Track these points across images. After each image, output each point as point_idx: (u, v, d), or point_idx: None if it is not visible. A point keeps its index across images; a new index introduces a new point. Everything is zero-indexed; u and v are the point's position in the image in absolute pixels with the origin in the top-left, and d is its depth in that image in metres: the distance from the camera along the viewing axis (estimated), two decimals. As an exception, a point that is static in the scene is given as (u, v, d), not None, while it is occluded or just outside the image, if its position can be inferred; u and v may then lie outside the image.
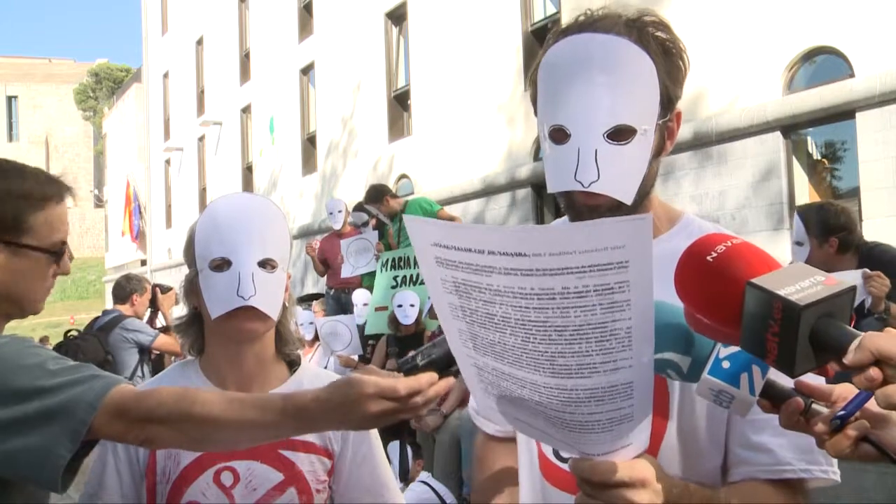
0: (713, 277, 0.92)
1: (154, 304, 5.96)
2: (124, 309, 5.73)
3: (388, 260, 6.89)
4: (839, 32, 7.63)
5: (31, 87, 48.77)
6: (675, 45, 1.24)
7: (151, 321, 6.11)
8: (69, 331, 5.35)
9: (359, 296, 6.98)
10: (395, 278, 6.77)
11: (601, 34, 1.19)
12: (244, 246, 1.59)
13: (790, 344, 0.86)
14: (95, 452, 1.61)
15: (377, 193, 7.23)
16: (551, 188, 1.24)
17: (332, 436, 1.69)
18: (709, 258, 0.93)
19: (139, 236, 28.63)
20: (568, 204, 1.25)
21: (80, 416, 1.25)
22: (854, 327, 0.88)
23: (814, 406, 0.99)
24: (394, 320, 6.17)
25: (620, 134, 1.19)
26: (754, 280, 0.88)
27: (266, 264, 1.60)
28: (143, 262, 28.26)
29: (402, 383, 1.12)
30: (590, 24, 1.21)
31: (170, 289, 6.25)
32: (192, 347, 1.72)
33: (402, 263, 6.78)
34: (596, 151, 1.18)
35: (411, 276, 6.65)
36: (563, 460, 1.28)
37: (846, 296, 0.88)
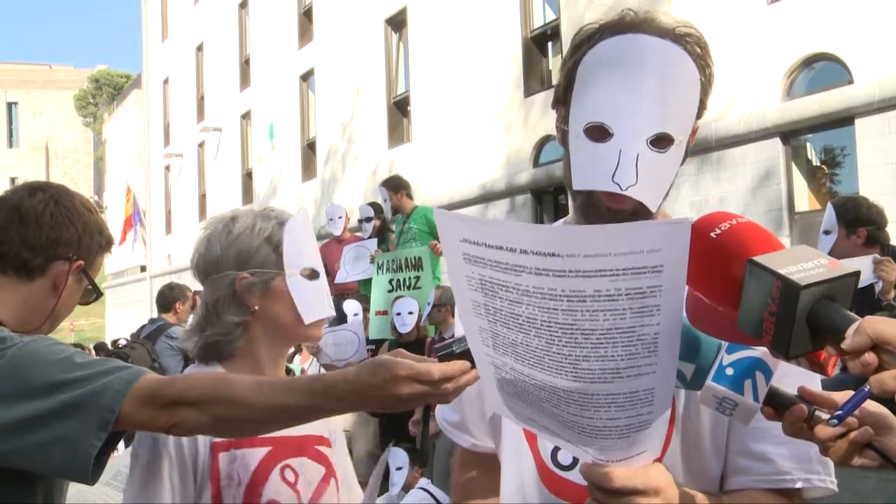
0: (715, 254, 0.91)
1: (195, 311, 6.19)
2: (168, 317, 5.98)
3: (383, 262, 6.87)
4: (838, 39, 7.65)
5: (31, 93, 48.82)
6: (707, 60, 1.23)
7: None
8: (116, 340, 5.65)
9: (350, 306, 6.95)
10: (390, 282, 6.75)
11: (656, 38, 1.17)
12: (320, 260, 1.76)
13: (787, 324, 0.85)
14: (145, 458, 1.59)
15: (397, 184, 7.22)
16: (580, 185, 1.21)
17: (332, 430, 1.79)
18: (712, 235, 0.92)
19: (136, 241, 28.63)
20: (588, 203, 1.23)
21: (107, 404, 1.27)
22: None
23: (817, 413, 0.98)
24: (395, 326, 6.16)
25: (661, 141, 1.18)
26: (756, 258, 0.87)
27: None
28: (143, 268, 28.25)
29: (437, 368, 1.13)
30: (637, 24, 1.19)
31: None
32: (230, 347, 1.71)
33: (395, 266, 6.77)
34: (638, 155, 1.16)
35: (406, 279, 6.64)
36: (562, 468, 1.27)
37: (848, 280, 0.86)
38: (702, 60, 1.20)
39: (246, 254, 1.68)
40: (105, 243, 1.63)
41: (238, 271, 1.67)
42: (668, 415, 0.97)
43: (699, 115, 1.23)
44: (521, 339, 0.93)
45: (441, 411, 1.55)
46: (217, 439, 1.63)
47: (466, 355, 1.14)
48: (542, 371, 0.94)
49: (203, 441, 1.63)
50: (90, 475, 1.29)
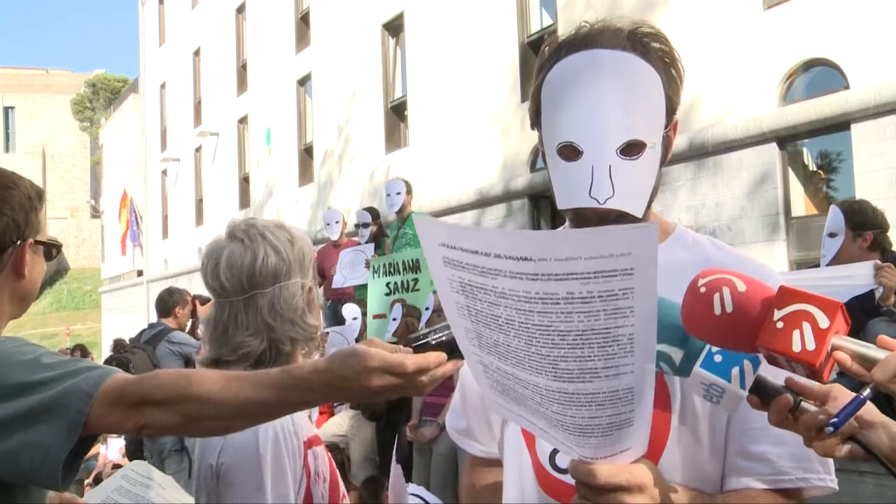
0: (699, 306, 0.99)
1: (194, 315, 6.30)
2: (168, 322, 6.02)
3: (379, 266, 6.88)
4: (834, 44, 7.66)
5: (28, 97, 48.75)
6: (672, 55, 1.25)
7: (193, 331, 6.47)
8: (120, 339, 5.73)
9: (349, 310, 6.97)
10: (387, 285, 6.76)
11: (608, 50, 1.19)
12: None
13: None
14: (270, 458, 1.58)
15: (410, 186, 7.26)
16: (563, 205, 1.23)
17: None
18: (717, 313, 0.97)
19: (134, 246, 28.60)
20: (577, 216, 1.25)
21: (76, 407, 1.23)
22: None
23: (803, 404, 1.00)
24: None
25: (632, 149, 1.19)
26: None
27: None
28: (140, 273, 28.20)
29: (411, 359, 1.11)
30: (592, 38, 1.21)
31: (208, 299, 6.51)
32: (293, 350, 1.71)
33: (392, 269, 6.78)
34: (610, 167, 1.18)
35: (403, 282, 6.65)
36: (559, 471, 1.28)
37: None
38: (662, 61, 1.22)
39: (308, 260, 1.71)
40: (38, 199, 1.56)
41: (302, 279, 1.69)
42: (651, 412, 0.99)
43: (673, 111, 1.25)
44: (503, 339, 0.95)
45: (449, 419, 1.57)
46: (309, 437, 1.64)
47: (443, 346, 1.13)
48: (524, 370, 0.97)
49: (298, 441, 1.63)
50: (60, 481, 1.25)
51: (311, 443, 1.66)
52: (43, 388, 1.26)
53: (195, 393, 1.23)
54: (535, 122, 1.29)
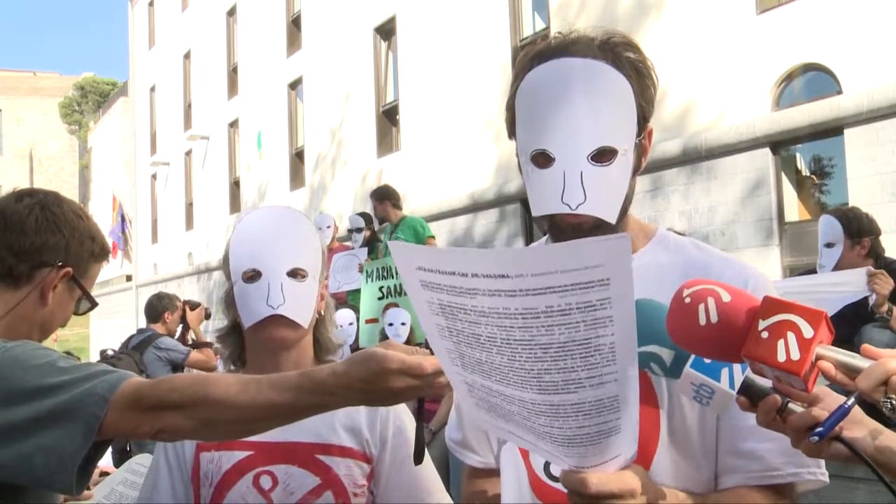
0: (685, 314, 1.00)
1: (184, 320, 6.25)
2: (157, 327, 5.99)
3: (372, 270, 6.86)
4: (827, 50, 7.69)
5: (15, 100, 48.54)
6: (645, 64, 1.27)
7: (183, 337, 6.43)
8: (104, 350, 5.72)
9: (343, 315, 6.93)
10: (381, 289, 6.73)
11: (579, 58, 1.22)
12: (272, 256, 1.67)
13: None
14: (153, 462, 1.68)
15: (382, 193, 7.29)
16: (537, 212, 1.26)
17: (371, 440, 1.71)
18: (701, 323, 0.98)
19: (123, 250, 28.48)
20: (551, 224, 1.27)
21: (92, 411, 1.22)
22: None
23: (790, 405, 1.01)
24: (385, 334, 6.11)
25: (603, 155, 1.22)
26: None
27: (296, 274, 1.67)
28: (129, 278, 28.06)
29: (429, 361, 1.11)
30: (564, 48, 1.24)
31: (198, 305, 6.58)
32: (230, 357, 1.77)
33: (385, 273, 6.75)
34: (581, 174, 1.21)
35: (397, 286, 6.62)
36: (554, 479, 1.28)
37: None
38: (634, 69, 1.25)
39: (225, 264, 1.74)
40: (98, 251, 1.59)
41: (227, 281, 1.74)
42: (637, 419, 1.00)
43: (646, 119, 1.27)
44: (486, 357, 0.96)
45: (447, 430, 1.57)
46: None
47: None
48: (508, 386, 0.98)
49: (190, 442, 1.64)
50: (74, 486, 1.23)
51: (211, 447, 1.66)
52: (59, 391, 1.24)
53: (212, 396, 1.22)
54: (511, 131, 1.32)
